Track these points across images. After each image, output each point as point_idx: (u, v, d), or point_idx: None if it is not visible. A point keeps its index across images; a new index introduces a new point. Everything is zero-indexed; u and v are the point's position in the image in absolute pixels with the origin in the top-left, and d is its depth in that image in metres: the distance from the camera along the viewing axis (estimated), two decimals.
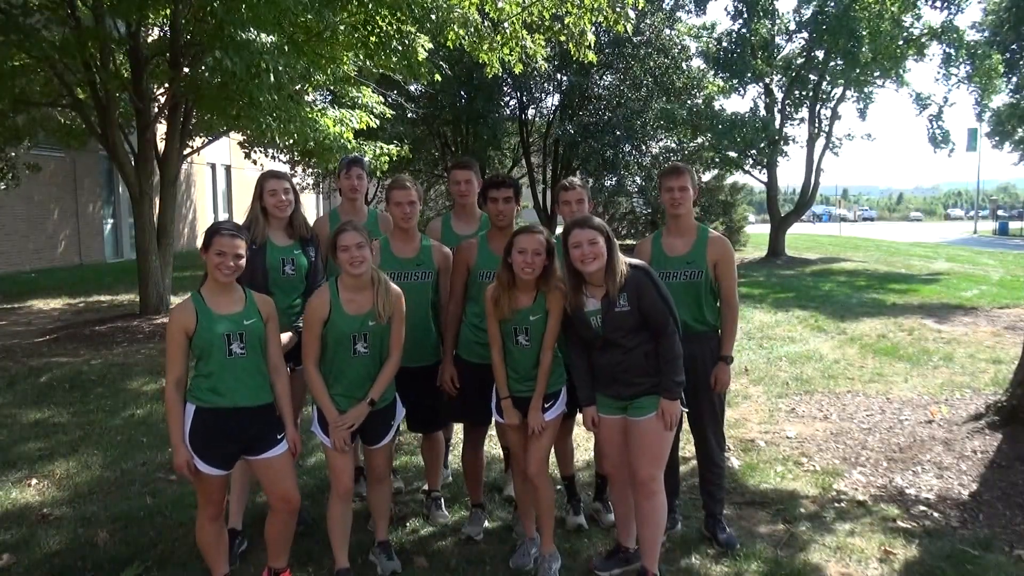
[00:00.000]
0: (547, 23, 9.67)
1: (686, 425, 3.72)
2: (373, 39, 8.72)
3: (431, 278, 3.68)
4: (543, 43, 9.77)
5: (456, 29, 8.79)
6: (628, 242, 27.51)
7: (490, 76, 10.28)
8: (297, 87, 9.24)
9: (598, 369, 3.19)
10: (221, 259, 2.90)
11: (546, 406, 3.29)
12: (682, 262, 3.53)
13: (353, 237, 3.07)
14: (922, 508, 4.02)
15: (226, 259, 2.91)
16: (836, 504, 4.10)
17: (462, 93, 20.05)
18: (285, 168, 24.28)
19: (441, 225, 4.10)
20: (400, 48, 8.87)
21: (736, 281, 3.58)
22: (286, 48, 7.54)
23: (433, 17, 8.44)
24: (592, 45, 9.60)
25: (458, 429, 4.99)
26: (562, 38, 9.65)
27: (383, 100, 12.28)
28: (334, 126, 9.90)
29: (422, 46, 9.26)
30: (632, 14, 9.09)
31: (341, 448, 3.12)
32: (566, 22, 9.29)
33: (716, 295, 3.61)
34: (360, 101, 11.41)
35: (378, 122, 11.37)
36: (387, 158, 11.58)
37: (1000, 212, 59.36)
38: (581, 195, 3.73)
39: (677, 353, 3.08)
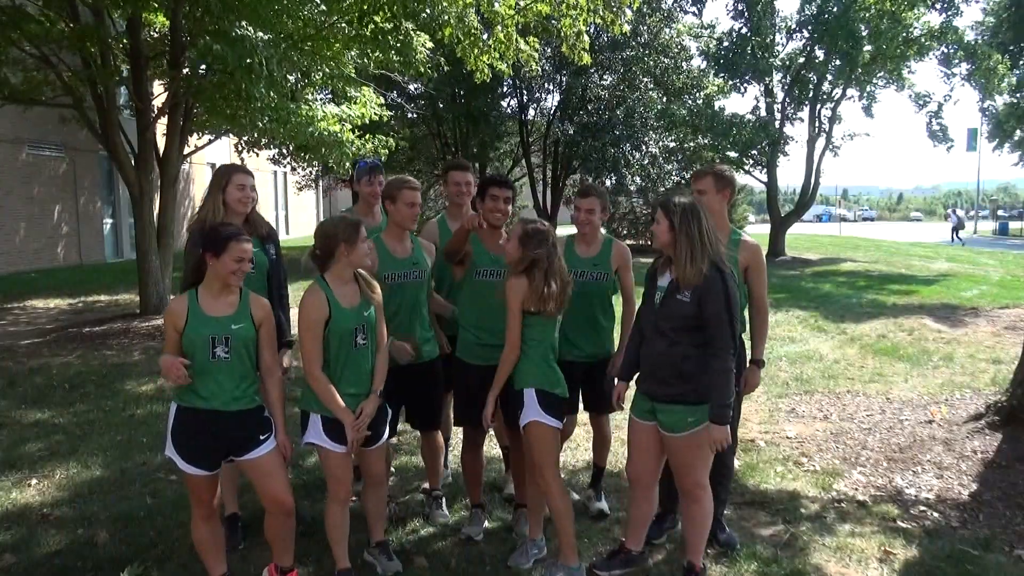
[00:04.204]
0: (542, 25, 9.65)
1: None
2: (370, 35, 8.72)
3: (426, 276, 3.69)
4: (537, 45, 9.76)
5: (452, 23, 8.76)
6: (628, 242, 27.49)
7: (479, 82, 10.25)
8: (296, 85, 9.24)
9: (642, 361, 3.21)
10: (240, 265, 2.88)
11: (519, 413, 3.27)
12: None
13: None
14: (922, 508, 4.02)
15: (244, 265, 2.90)
16: (836, 504, 4.10)
17: (461, 92, 20.05)
18: (276, 166, 24.36)
19: (438, 225, 4.10)
20: (398, 44, 8.87)
21: (766, 287, 3.63)
22: (282, 45, 7.54)
23: (428, 11, 8.42)
24: (588, 47, 9.59)
25: (457, 429, 4.99)
26: (557, 39, 9.65)
27: (383, 103, 12.28)
28: (334, 123, 9.90)
29: (423, 44, 9.25)
30: (629, 13, 9.05)
31: (359, 444, 3.11)
32: (562, 24, 9.26)
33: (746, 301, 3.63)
34: (359, 100, 11.42)
35: (377, 115, 11.35)
36: (386, 151, 11.63)
37: (1000, 212, 59.39)
38: (591, 204, 3.74)
39: (725, 372, 2.95)
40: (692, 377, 3.00)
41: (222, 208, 3.52)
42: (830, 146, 22.44)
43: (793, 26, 21.51)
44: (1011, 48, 21.01)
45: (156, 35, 10.61)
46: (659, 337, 3.07)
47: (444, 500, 4.00)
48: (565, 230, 3.89)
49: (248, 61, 6.92)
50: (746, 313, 3.62)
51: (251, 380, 3.00)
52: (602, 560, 3.36)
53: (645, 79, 21.82)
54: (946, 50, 20.19)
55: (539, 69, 12.07)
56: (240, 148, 16.98)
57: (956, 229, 34.35)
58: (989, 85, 19.97)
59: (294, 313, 3.38)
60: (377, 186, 4.10)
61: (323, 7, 7.82)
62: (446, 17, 8.56)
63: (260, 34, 7.08)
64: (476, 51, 9.25)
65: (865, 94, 21.66)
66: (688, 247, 2.97)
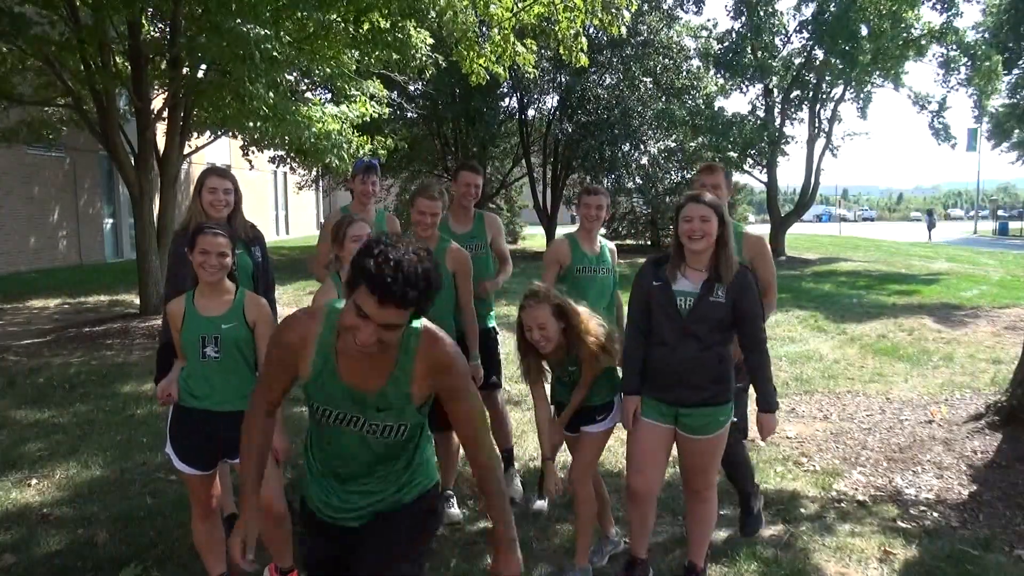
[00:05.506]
0: (539, 27, 9.65)
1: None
2: (367, 34, 8.73)
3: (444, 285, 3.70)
4: (534, 47, 9.75)
5: (449, 17, 8.76)
6: (628, 242, 27.48)
7: (475, 85, 10.27)
8: (296, 84, 9.24)
9: (662, 369, 2.99)
10: (204, 258, 2.87)
11: (598, 418, 3.19)
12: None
13: (363, 227, 3.13)
14: (922, 508, 4.02)
15: (209, 258, 2.87)
16: (836, 504, 4.10)
17: (460, 92, 20.06)
18: (273, 166, 24.34)
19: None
20: (397, 43, 8.87)
21: (775, 275, 3.66)
22: (283, 40, 7.54)
23: (424, 7, 8.43)
24: (585, 48, 9.58)
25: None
26: (552, 43, 9.64)
27: (385, 95, 12.28)
28: (334, 123, 9.90)
29: (423, 41, 9.25)
30: (627, 15, 9.06)
31: None
32: (559, 26, 9.24)
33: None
34: (359, 100, 11.43)
35: (378, 110, 11.36)
36: (385, 151, 11.63)
37: (1000, 212, 59.44)
38: (601, 201, 3.89)
39: (768, 364, 3.01)
40: (725, 378, 2.96)
41: (201, 212, 3.55)
42: (830, 146, 22.45)
43: (794, 27, 21.55)
44: (1011, 47, 21.03)
45: (156, 34, 10.61)
46: (687, 342, 2.92)
47: (455, 500, 3.99)
48: (565, 230, 3.92)
49: (240, 52, 6.92)
50: None
51: (246, 381, 2.96)
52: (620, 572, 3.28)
53: (645, 79, 21.83)
54: (945, 52, 20.20)
55: (536, 72, 12.08)
56: (244, 149, 17.00)
57: (929, 227, 36.98)
58: (987, 87, 19.95)
59: (284, 313, 3.37)
60: (370, 185, 4.16)
61: (316, 6, 7.81)
62: (449, 15, 8.56)
63: (258, 29, 7.08)
64: (472, 54, 9.24)
65: (862, 95, 21.68)
66: (728, 243, 2.93)
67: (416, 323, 1.92)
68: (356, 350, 1.82)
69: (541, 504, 3.99)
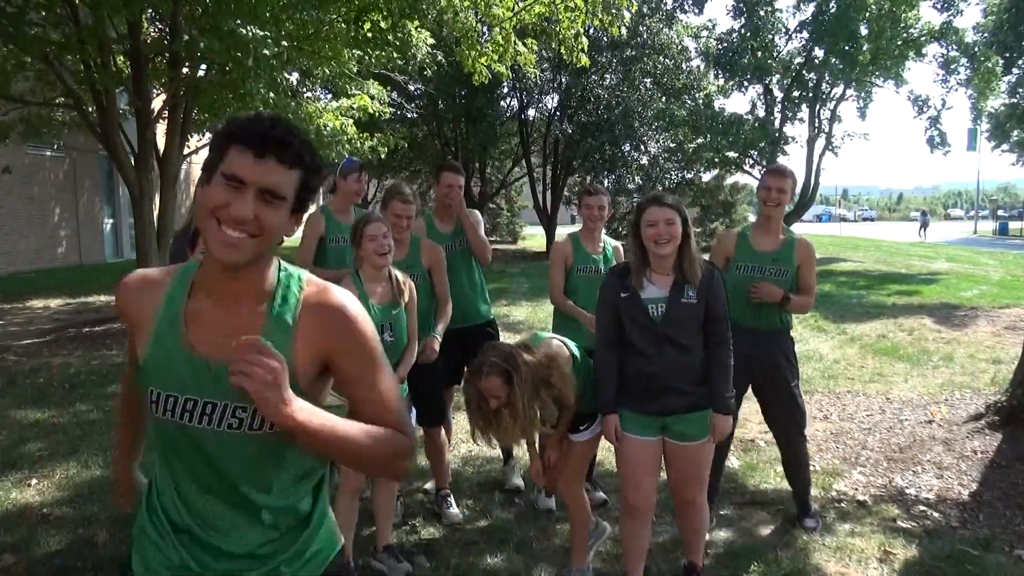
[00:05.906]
0: (540, 27, 9.68)
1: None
2: (369, 34, 8.74)
3: (420, 280, 3.72)
4: (535, 48, 9.77)
5: (451, 17, 8.77)
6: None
7: (477, 84, 10.29)
8: (297, 85, 9.25)
9: (643, 379, 2.89)
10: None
11: (581, 428, 3.15)
12: (768, 258, 3.68)
13: (380, 227, 3.20)
14: (922, 508, 4.02)
15: None
16: (836, 504, 4.10)
17: (461, 92, 20.06)
18: None
19: (425, 224, 4.17)
20: (397, 43, 8.88)
21: (815, 280, 3.81)
22: (283, 43, 7.54)
23: (424, 7, 8.44)
24: (585, 48, 9.60)
25: (458, 429, 5.00)
26: (554, 44, 9.66)
27: (386, 92, 12.29)
28: (335, 120, 9.89)
29: (424, 41, 9.26)
30: (627, 15, 9.10)
31: None
32: (560, 26, 9.26)
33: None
34: (358, 96, 11.44)
35: (378, 106, 11.33)
36: (385, 148, 11.63)
37: (1000, 212, 59.47)
38: (602, 201, 3.95)
39: (730, 363, 2.93)
40: (705, 379, 2.95)
41: None
42: (830, 146, 22.47)
43: (795, 26, 21.59)
44: (1011, 46, 21.05)
45: (156, 34, 10.61)
46: (665, 348, 2.85)
47: (453, 498, 3.99)
48: (565, 230, 3.94)
49: (239, 55, 6.93)
50: None
51: None
52: None
53: (645, 80, 21.84)
54: (945, 52, 20.22)
55: (537, 72, 12.08)
56: None
57: (923, 227, 38.14)
58: (986, 88, 19.94)
59: None
60: (364, 184, 4.19)
61: (316, 7, 7.81)
62: (449, 15, 8.58)
63: (257, 31, 7.09)
64: (474, 53, 9.26)
65: (863, 94, 21.70)
66: (692, 244, 2.88)
67: (295, 269, 1.46)
68: (220, 263, 1.33)
69: (548, 503, 3.98)
